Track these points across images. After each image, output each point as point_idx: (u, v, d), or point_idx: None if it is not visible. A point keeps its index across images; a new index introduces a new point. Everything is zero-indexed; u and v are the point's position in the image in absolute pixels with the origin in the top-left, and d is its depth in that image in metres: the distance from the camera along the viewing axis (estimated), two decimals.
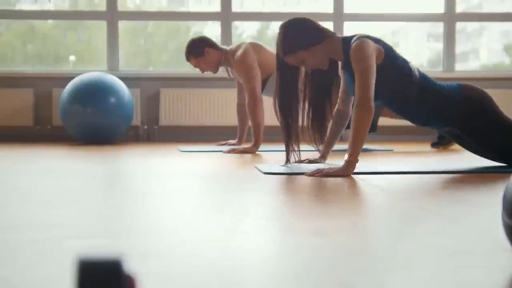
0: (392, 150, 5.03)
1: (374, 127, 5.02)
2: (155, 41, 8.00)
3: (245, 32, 7.92)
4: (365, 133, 3.01)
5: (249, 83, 4.78)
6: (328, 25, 6.69)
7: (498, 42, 8.53)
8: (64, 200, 2.26)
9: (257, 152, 4.66)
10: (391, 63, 3.15)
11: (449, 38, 6.72)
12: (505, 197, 1.27)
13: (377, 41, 3.17)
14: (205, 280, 1.18)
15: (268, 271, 1.25)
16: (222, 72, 5.21)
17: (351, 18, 6.71)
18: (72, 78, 5.83)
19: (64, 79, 6.02)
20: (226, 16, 6.59)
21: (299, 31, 3.23)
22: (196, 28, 7.74)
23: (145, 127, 6.44)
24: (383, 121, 5.30)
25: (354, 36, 3.19)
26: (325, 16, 6.75)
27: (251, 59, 4.81)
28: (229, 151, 4.62)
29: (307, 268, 1.28)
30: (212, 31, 6.95)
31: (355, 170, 3.00)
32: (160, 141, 6.35)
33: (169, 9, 7.57)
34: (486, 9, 7.60)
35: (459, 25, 7.03)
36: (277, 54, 3.30)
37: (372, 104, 3.02)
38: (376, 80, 3.08)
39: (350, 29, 6.85)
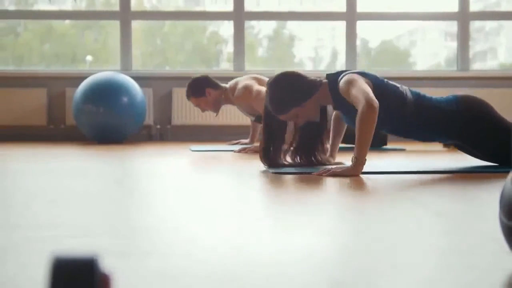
0: (404, 149, 5.01)
1: (384, 141, 5.02)
2: (171, 41, 8.01)
3: (261, 32, 7.92)
4: (371, 132, 2.98)
5: (261, 103, 4.72)
6: (341, 25, 6.69)
7: None
8: (68, 199, 2.27)
9: None
10: (382, 93, 3.13)
11: (463, 37, 6.68)
12: (502, 197, 1.26)
13: (362, 74, 3.17)
14: (199, 280, 1.18)
15: (267, 270, 1.25)
16: (234, 71, 5.21)
17: (364, 17, 6.69)
18: (85, 78, 5.86)
19: (77, 79, 6.05)
20: (239, 16, 6.59)
21: (288, 89, 3.18)
22: (213, 28, 7.74)
23: (158, 126, 6.46)
24: None
25: (338, 73, 3.19)
26: (338, 15, 6.75)
27: (254, 89, 4.72)
28: (240, 151, 4.63)
29: (306, 267, 1.28)
30: (228, 30, 6.94)
31: (363, 170, 2.99)
32: (173, 140, 6.36)
33: (181, 9, 7.58)
34: (504, 7, 7.53)
35: (477, 24, 6.99)
36: (266, 109, 3.24)
37: (375, 103, 2.98)
38: None
39: (363, 28, 6.83)
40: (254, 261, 1.34)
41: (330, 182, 2.73)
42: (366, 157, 2.98)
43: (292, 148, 3.31)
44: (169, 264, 1.31)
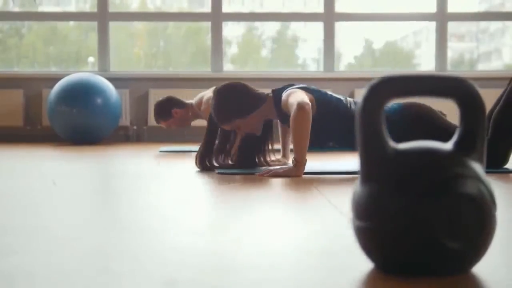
0: None
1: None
2: (174, 42, 7.99)
3: (265, 33, 7.94)
4: (307, 133, 2.96)
5: None
6: (319, 25, 6.69)
7: None
8: (14, 201, 2.29)
9: None
10: (325, 109, 3.14)
11: (441, 38, 6.67)
12: (352, 200, 1.27)
13: (305, 89, 3.17)
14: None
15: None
16: (212, 71, 5.20)
17: (342, 18, 6.68)
18: (61, 79, 5.88)
19: (54, 80, 6.06)
20: (216, 17, 6.60)
21: (233, 100, 3.20)
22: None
23: (135, 127, 6.47)
24: None
25: (283, 88, 3.21)
26: (316, 16, 6.74)
27: None
28: None
29: (141, 267, 1.29)
30: (232, 31, 6.91)
31: (306, 170, 3.00)
32: (149, 141, 6.37)
33: (160, 10, 7.60)
34: (508, 8, 7.49)
35: (482, 25, 6.96)
36: (210, 117, 3.28)
37: (307, 104, 2.95)
38: (318, 128, 3.05)
39: (341, 29, 6.83)
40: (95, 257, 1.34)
41: (269, 183, 2.74)
42: (307, 157, 3.00)
43: (230, 156, 3.34)
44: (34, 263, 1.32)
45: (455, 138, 1.24)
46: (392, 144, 1.23)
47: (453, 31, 7.69)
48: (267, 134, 3.34)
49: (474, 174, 1.18)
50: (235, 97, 3.20)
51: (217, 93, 3.23)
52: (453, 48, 7.75)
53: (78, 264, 1.32)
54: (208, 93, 4.84)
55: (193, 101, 4.98)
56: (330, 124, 3.14)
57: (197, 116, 5.00)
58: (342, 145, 3.29)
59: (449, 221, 1.16)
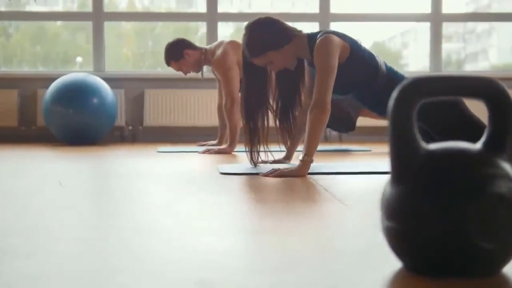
0: (370, 150, 5.01)
1: (352, 126, 5.00)
2: (163, 42, 8.00)
3: None
4: (320, 134, 2.99)
5: (227, 85, 4.78)
6: (314, 26, 6.69)
7: (508, 42, 8.45)
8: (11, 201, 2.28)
9: (233, 153, 4.65)
10: (357, 58, 3.15)
11: (436, 38, 6.69)
12: (381, 200, 1.27)
13: (342, 36, 3.16)
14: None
15: (142, 267, 1.26)
16: (206, 73, 5.21)
17: (337, 19, 6.69)
18: (57, 79, 5.85)
19: (49, 80, 6.03)
20: (212, 17, 6.60)
21: (266, 32, 3.19)
22: (204, 29, 7.76)
23: (130, 127, 6.45)
24: (365, 121, 5.27)
25: (320, 32, 3.19)
26: (311, 17, 6.74)
27: (230, 60, 4.81)
28: (204, 152, 4.63)
29: (178, 266, 1.28)
30: (220, 31, 6.86)
31: (310, 170, 2.99)
32: (144, 141, 6.36)
33: (153, 10, 7.58)
34: (495, 9, 7.53)
35: (469, 25, 6.98)
36: (243, 56, 3.28)
37: (328, 104, 3.00)
38: (344, 75, 3.07)
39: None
40: (130, 258, 1.34)
41: (272, 184, 2.73)
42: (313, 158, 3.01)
43: (273, 104, 3.36)
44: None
45: (484, 138, 1.24)
46: (423, 144, 1.22)
47: (443, 32, 7.73)
48: (300, 72, 3.32)
49: (505, 174, 1.18)
50: (267, 28, 3.19)
51: (248, 27, 3.22)
52: (443, 48, 7.77)
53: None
54: (224, 45, 4.83)
55: (207, 47, 4.97)
56: (356, 74, 3.15)
57: (208, 62, 4.96)
58: (360, 100, 3.30)
59: (481, 221, 1.15)
